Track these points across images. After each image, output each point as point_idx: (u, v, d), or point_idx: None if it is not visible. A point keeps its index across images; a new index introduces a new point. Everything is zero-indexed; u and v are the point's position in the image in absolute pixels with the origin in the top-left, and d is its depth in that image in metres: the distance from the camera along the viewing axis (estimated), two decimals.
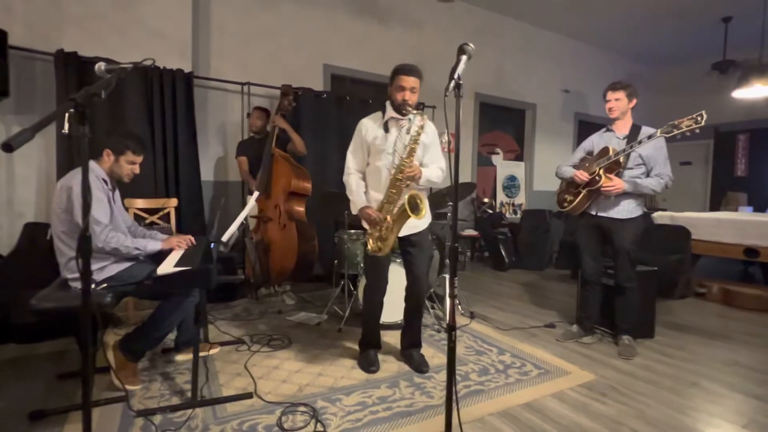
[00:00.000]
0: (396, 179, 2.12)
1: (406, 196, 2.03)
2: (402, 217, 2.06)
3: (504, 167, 6.30)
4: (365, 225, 2.26)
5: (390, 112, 2.22)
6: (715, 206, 6.90)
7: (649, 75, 7.73)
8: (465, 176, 5.69)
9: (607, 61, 7.11)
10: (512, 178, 6.33)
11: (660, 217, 4.46)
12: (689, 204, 7.04)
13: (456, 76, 1.39)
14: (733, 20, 5.59)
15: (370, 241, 2.20)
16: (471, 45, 1.45)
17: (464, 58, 1.44)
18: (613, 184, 2.50)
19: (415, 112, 2.14)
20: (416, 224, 2.25)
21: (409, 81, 2.13)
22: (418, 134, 2.10)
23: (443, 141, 5.28)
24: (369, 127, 2.29)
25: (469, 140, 5.80)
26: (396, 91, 2.16)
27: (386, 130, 2.24)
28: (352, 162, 2.34)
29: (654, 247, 4.07)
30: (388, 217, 2.12)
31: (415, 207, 2.01)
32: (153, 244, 2.11)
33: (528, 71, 6.22)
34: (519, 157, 6.52)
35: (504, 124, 6.35)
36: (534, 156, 6.49)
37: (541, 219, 5.52)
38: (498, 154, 6.31)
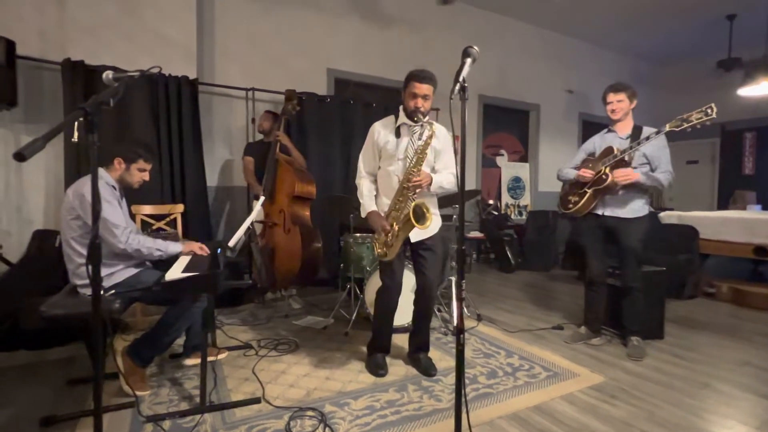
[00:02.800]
0: (403, 187, 2.13)
1: (412, 205, 2.02)
2: (407, 226, 2.06)
3: (508, 168, 6.29)
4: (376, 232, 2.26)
5: (402, 117, 2.23)
6: (722, 205, 6.83)
7: (653, 73, 7.69)
8: (470, 178, 5.69)
9: (610, 60, 7.08)
10: (517, 180, 6.32)
11: (667, 216, 4.43)
12: (696, 203, 6.97)
13: (461, 79, 1.39)
14: (737, 17, 5.56)
15: (377, 245, 2.21)
16: (475, 48, 1.45)
17: (469, 61, 1.44)
18: (625, 172, 2.46)
19: (425, 120, 2.11)
20: (430, 228, 2.24)
21: (422, 88, 2.12)
22: (427, 144, 2.08)
23: None
24: (381, 131, 2.29)
25: (473, 142, 5.79)
26: (409, 97, 2.16)
27: (398, 135, 2.24)
28: (363, 165, 2.36)
29: (662, 247, 4.04)
30: (395, 225, 2.13)
31: (420, 216, 2.01)
32: (173, 246, 2.12)
33: (531, 72, 6.21)
34: (523, 158, 6.50)
35: (508, 125, 6.34)
36: (538, 157, 6.47)
37: (546, 220, 5.50)
38: (502, 155, 6.30)
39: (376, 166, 2.33)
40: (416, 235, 2.23)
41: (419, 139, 2.18)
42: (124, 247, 1.96)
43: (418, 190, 2.11)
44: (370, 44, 4.84)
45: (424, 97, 2.13)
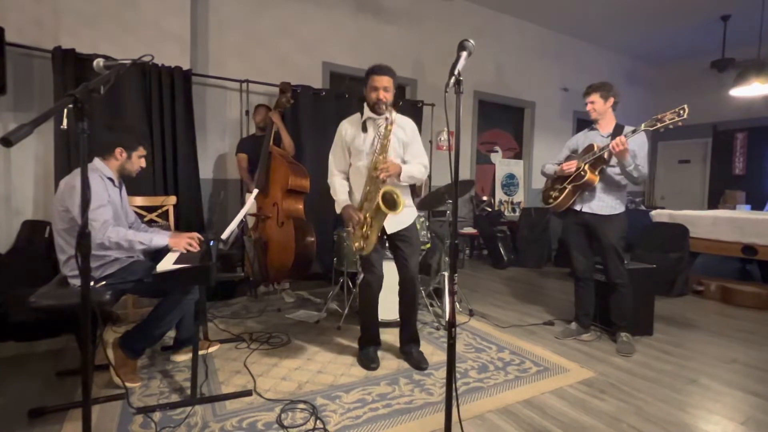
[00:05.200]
0: (372, 176, 2.16)
1: (381, 191, 2.05)
2: (380, 215, 2.09)
3: (503, 165, 6.30)
4: (349, 225, 2.28)
5: (367, 112, 2.26)
6: (713, 204, 6.91)
7: (647, 73, 7.73)
8: (464, 174, 5.70)
9: (605, 58, 7.11)
10: (511, 176, 6.34)
11: (658, 215, 4.47)
12: (687, 202, 7.05)
13: (456, 72, 1.39)
14: (731, 18, 5.60)
15: (354, 240, 2.24)
16: (471, 41, 1.44)
17: (464, 54, 1.43)
18: (621, 140, 2.36)
19: (388, 110, 2.17)
20: (402, 219, 2.28)
21: (382, 80, 2.18)
22: (388, 130, 2.14)
23: (441, 139, 5.30)
24: (348, 128, 2.33)
25: (468, 138, 5.80)
26: (370, 91, 2.21)
27: (364, 130, 2.27)
28: (333, 164, 2.40)
29: (652, 245, 4.08)
30: (368, 216, 2.15)
31: (391, 203, 2.04)
32: (158, 238, 2.07)
33: (527, 69, 6.22)
34: (518, 156, 6.53)
35: (503, 122, 6.35)
36: (533, 154, 6.49)
37: (539, 217, 5.52)
38: (497, 152, 6.31)
39: (346, 163, 2.36)
40: (392, 226, 2.26)
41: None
42: (101, 240, 1.91)
43: (384, 176, 2.12)
44: (366, 39, 4.81)
45: (385, 88, 2.18)
